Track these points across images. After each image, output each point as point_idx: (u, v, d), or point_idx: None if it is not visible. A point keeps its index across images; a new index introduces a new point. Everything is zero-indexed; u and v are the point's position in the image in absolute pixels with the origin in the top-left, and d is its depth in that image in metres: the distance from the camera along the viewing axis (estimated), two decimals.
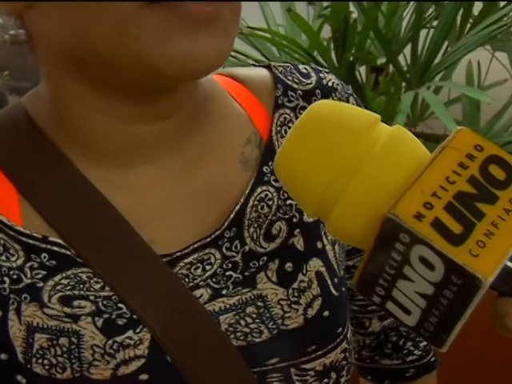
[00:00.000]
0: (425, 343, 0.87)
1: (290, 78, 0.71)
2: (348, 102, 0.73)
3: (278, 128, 0.69)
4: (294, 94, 0.70)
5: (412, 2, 1.92)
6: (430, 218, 0.42)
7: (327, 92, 0.72)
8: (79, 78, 0.60)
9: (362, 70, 1.98)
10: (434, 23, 1.91)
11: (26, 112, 0.65)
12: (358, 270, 0.45)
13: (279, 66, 0.72)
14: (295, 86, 0.71)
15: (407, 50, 1.91)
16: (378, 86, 1.96)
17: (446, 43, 1.88)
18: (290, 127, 0.69)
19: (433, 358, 0.88)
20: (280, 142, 0.69)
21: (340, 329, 0.69)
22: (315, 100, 0.70)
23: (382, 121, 0.47)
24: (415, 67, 1.87)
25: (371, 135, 0.45)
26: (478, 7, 1.91)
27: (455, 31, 1.90)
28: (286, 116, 0.70)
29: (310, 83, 0.71)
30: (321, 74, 0.73)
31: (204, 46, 0.55)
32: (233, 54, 1.91)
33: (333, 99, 0.71)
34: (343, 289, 0.72)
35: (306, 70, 0.73)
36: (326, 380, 0.67)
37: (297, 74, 0.72)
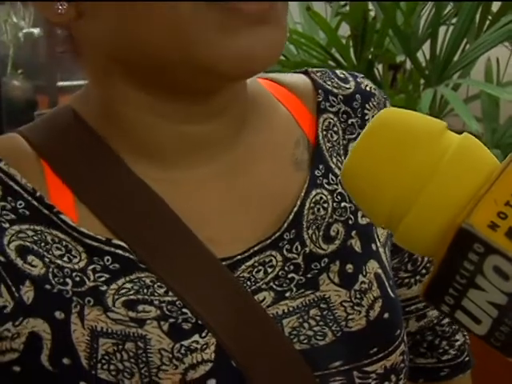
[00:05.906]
0: (460, 343, 0.87)
1: (329, 82, 0.71)
2: (385, 106, 0.73)
3: (324, 132, 0.69)
4: (335, 99, 0.70)
5: None
6: (505, 227, 0.41)
7: (367, 97, 0.71)
8: (130, 81, 0.60)
9: (380, 67, 1.97)
10: (453, 20, 1.91)
11: (76, 115, 0.64)
12: (427, 279, 0.45)
13: (317, 71, 0.72)
14: (335, 90, 0.71)
15: (426, 47, 1.91)
16: (396, 83, 1.96)
17: (464, 40, 1.88)
18: (334, 131, 0.69)
19: (467, 358, 0.87)
20: (327, 146, 0.68)
21: (398, 331, 0.68)
22: (356, 105, 0.70)
23: None
24: (434, 65, 1.87)
25: (441, 143, 0.45)
26: (496, 4, 1.91)
27: (474, 28, 1.89)
28: (330, 121, 0.69)
29: (350, 88, 0.71)
30: (358, 79, 0.73)
31: (261, 42, 0.55)
32: None
33: (372, 104, 0.71)
34: (396, 291, 0.71)
35: (343, 74, 0.73)
36: (386, 383, 0.67)
37: (335, 79, 0.72)
